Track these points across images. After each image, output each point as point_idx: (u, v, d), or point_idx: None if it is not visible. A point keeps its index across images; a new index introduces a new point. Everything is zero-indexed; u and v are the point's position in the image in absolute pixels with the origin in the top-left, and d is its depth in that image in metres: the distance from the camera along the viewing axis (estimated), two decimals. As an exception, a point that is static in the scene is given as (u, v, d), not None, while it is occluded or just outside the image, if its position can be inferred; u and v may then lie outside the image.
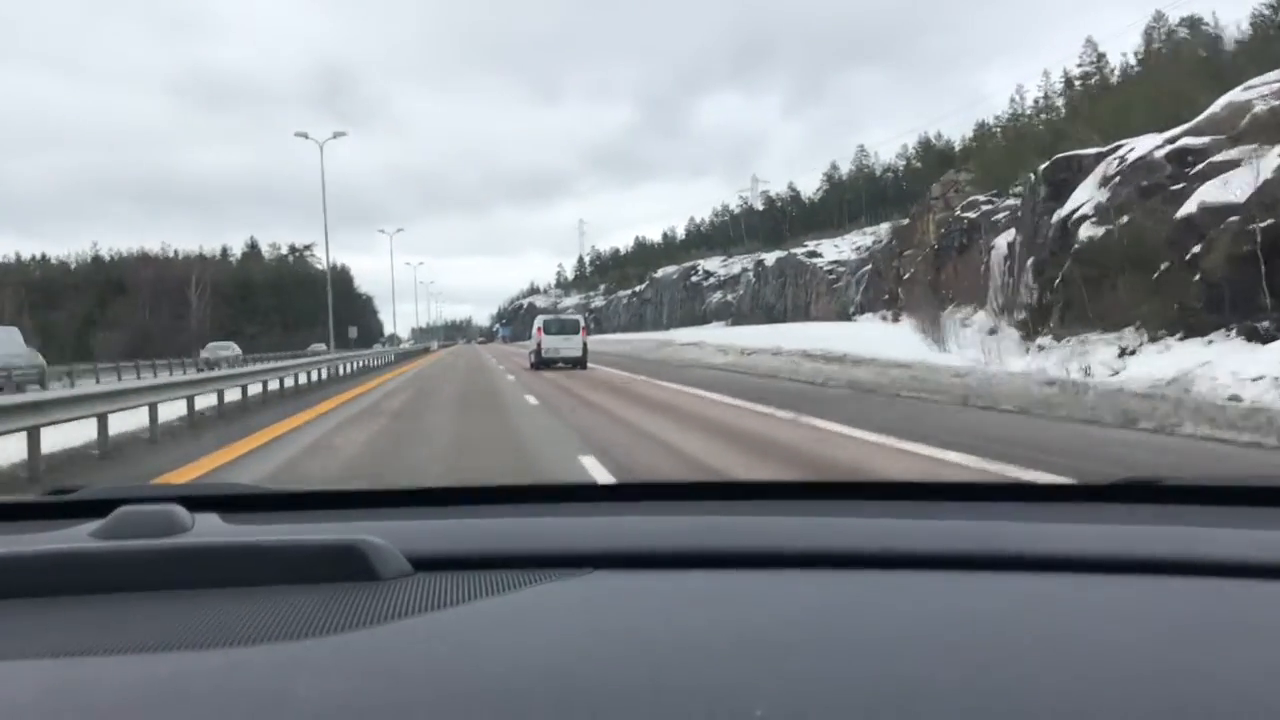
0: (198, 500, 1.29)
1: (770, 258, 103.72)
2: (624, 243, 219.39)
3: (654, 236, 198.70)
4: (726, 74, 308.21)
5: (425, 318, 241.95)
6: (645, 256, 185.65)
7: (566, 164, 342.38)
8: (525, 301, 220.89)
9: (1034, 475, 6.95)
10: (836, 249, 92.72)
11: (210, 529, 1.13)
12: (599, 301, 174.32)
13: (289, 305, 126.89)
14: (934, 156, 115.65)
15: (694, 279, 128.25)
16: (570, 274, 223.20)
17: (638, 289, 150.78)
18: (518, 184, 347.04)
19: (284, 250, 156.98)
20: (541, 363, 29.47)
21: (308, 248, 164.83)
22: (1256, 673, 0.73)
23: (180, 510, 1.09)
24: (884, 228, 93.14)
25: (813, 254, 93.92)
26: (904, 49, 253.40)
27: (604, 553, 1.05)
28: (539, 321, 31.83)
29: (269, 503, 1.48)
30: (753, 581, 1.00)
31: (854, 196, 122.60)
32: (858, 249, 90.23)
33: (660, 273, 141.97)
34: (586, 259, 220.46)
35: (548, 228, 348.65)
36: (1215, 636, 0.82)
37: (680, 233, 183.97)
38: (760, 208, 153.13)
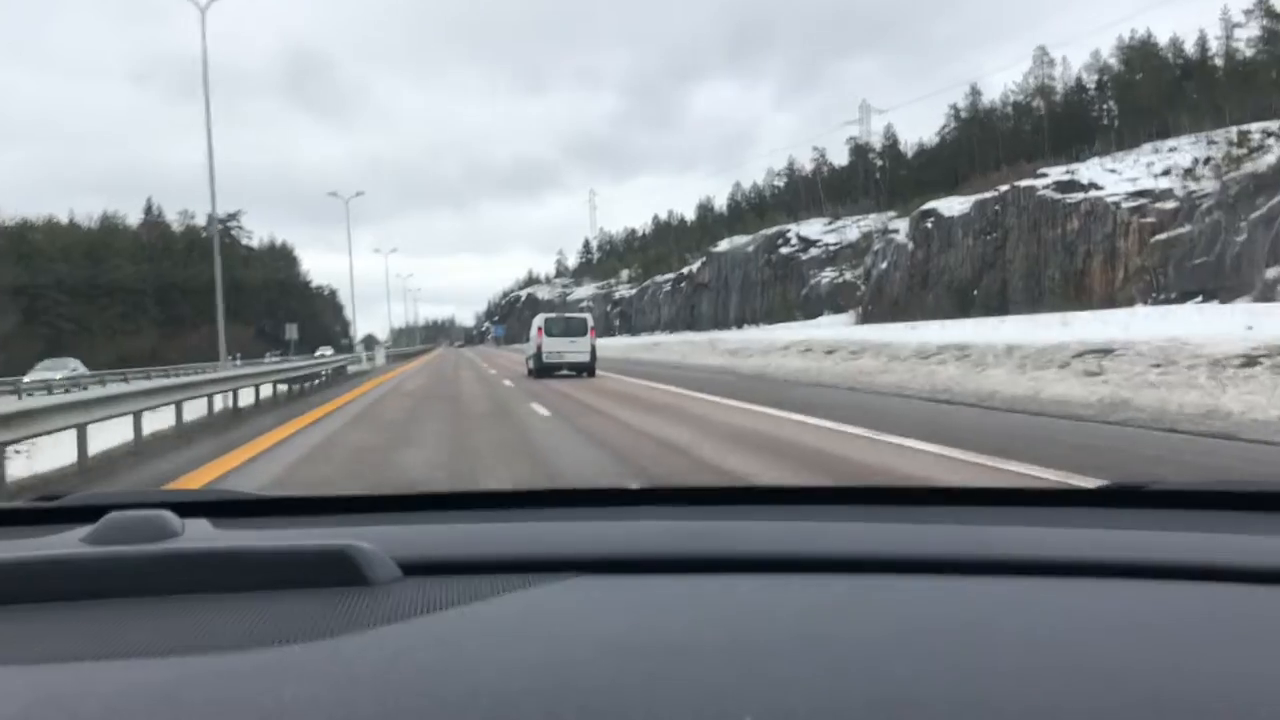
0: (188, 505, 1.29)
1: (957, 204, 62.71)
2: (639, 222, 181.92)
3: (684, 212, 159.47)
4: (721, 61, 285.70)
5: (405, 318, 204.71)
6: (674, 236, 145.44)
7: (553, 157, 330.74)
8: (522, 294, 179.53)
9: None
10: (1116, 175, 51.65)
11: (200, 534, 1.12)
12: (624, 290, 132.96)
13: (181, 298, 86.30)
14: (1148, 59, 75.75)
15: (784, 250, 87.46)
16: (573, 261, 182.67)
17: (686, 271, 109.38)
18: (502, 178, 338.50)
19: (199, 220, 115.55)
20: (542, 369, 24.57)
21: (233, 217, 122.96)
22: (1246, 677, 0.74)
23: (170, 515, 1.08)
24: (1185, 140, 52.62)
25: (1070, 185, 52.63)
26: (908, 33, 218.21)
27: (592, 557, 1.05)
28: (539, 320, 26.08)
29: (259, 508, 1.46)
30: (741, 586, 0.99)
31: (1033, 127, 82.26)
32: (1164, 173, 49.33)
33: (725, 245, 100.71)
34: (594, 242, 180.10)
35: (534, 224, 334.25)
36: (1205, 641, 0.82)
37: (721, 204, 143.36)
38: (837, 164, 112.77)
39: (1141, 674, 0.74)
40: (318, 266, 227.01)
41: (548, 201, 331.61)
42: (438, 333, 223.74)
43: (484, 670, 0.74)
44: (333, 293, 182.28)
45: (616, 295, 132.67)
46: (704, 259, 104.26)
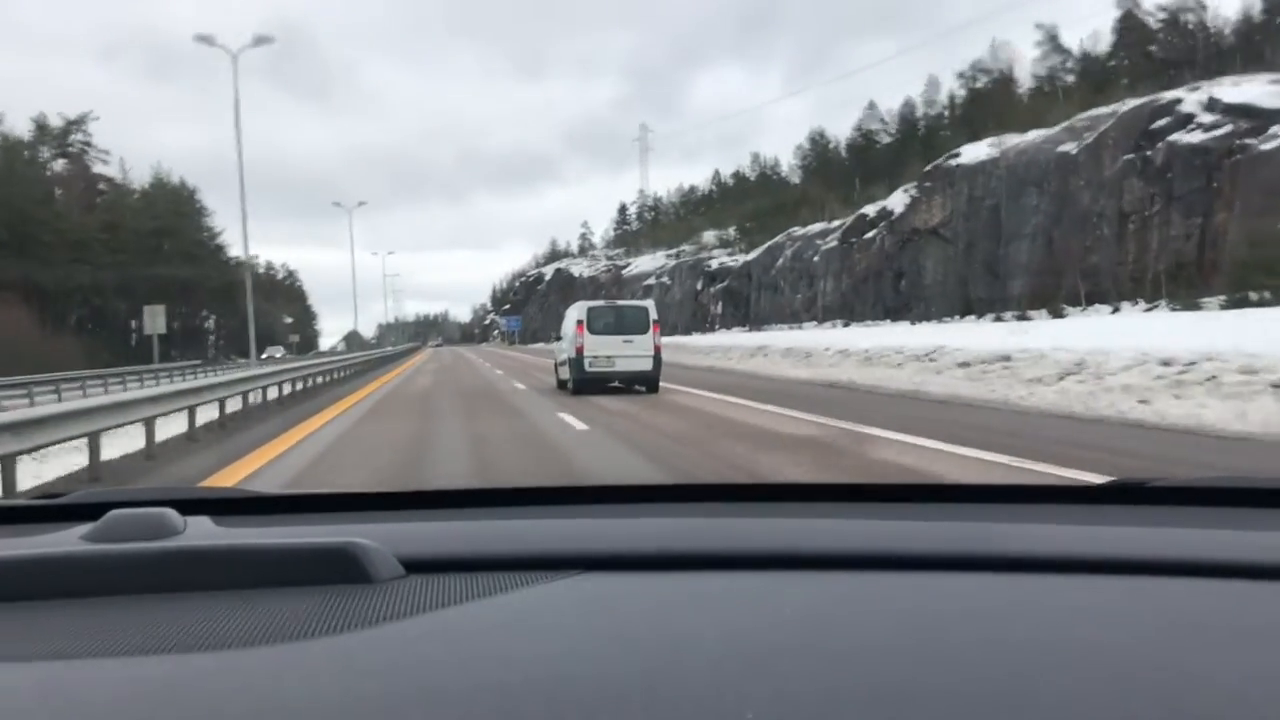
0: (190, 503, 1.29)
1: None
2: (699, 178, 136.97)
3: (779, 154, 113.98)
4: (728, 46, 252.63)
5: (393, 313, 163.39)
6: (753, 190, 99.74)
7: (552, 148, 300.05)
8: (546, 272, 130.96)
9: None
10: None
11: (202, 532, 1.12)
12: (725, 258, 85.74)
13: None
14: None
15: (1183, 139, 41.04)
16: (607, 231, 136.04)
17: (875, 210, 61.98)
18: (498, 169, 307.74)
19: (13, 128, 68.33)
20: (584, 382, 17.00)
21: (76, 124, 74.80)
22: (1248, 674, 0.74)
23: (172, 513, 1.09)
24: None
25: None
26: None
27: (595, 554, 1.05)
28: (578, 311, 17.87)
29: (261, 505, 1.47)
30: (743, 583, 0.99)
31: None
32: None
33: (985, 148, 53.35)
34: (631, 208, 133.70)
35: (532, 220, 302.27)
36: (1207, 637, 0.82)
37: (843, 131, 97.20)
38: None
39: (1145, 671, 0.75)
40: (309, 262, 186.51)
41: (546, 193, 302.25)
42: (429, 329, 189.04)
43: (486, 667, 0.75)
44: (291, 275, 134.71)
45: (715, 264, 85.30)
46: (922, 183, 57.22)
